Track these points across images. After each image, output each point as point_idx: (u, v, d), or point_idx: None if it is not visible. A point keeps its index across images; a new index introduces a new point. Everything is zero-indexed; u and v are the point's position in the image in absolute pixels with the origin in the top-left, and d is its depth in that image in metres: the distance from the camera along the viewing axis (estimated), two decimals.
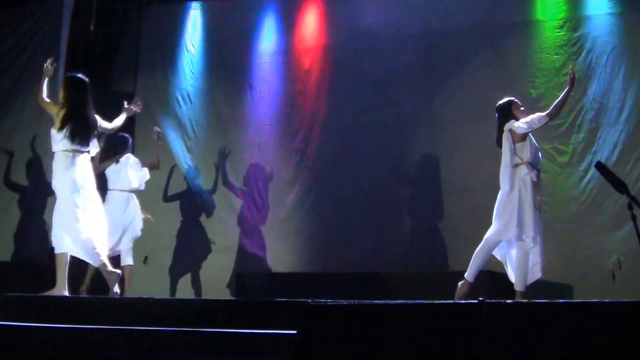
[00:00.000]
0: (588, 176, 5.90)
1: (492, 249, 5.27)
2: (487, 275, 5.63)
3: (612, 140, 5.85)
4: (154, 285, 6.77)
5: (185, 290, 7.06)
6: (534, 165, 5.17)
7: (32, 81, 7.82)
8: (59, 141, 5.08)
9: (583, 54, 6.07)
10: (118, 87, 8.31)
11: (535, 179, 5.13)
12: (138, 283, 6.87)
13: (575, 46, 6.12)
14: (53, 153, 5.16)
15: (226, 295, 6.91)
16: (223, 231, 7.27)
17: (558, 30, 6.22)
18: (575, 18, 6.18)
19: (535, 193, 5.13)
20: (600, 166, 3.75)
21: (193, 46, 7.92)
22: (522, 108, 5.32)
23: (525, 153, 5.18)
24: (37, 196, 7.52)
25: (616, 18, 6.03)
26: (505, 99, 5.32)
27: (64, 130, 5.06)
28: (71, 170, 5.02)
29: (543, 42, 6.26)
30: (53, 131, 5.13)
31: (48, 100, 5.24)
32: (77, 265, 5.38)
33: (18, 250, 7.48)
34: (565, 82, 5.93)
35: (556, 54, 6.19)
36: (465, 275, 5.18)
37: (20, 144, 7.77)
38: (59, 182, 5.07)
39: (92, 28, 8.36)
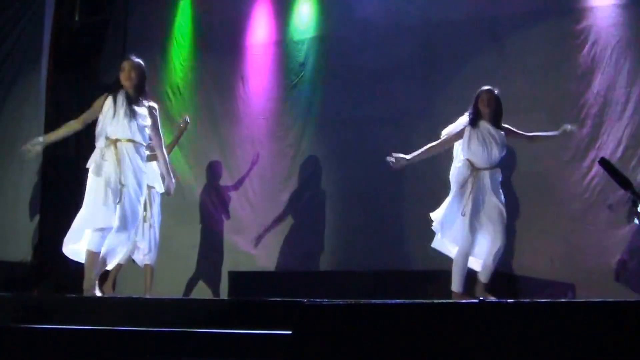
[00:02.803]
0: (591, 173, 5.79)
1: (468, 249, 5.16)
2: None
3: (617, 135, 5.73)
4: (143, 285, 6.57)
5: (175, 289, 6.91)
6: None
7: (14, 71, 7.62)
8: None
9: (587, 46, 5.94)
10: (104, 79, 8.13)
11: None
12: (126, 282, 6.71)
13: (578, 38, 5.99)
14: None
15: (218, 294, 6.76)
16: (215, 228, 7.13)
17: (561, 21, 6.10)
18: (578, 9, 6.06)
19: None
20: (604, 162, 3.72)
21: (182, 37, 7.76)
22: (485, 102, 5.22)
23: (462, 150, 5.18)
24: (20, 191, 7.34)
25: (621, 9, 5.90)
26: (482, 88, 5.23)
27: None
28: None
29: (545, 34, 6.13)
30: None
31: None
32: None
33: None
34: (567, 77, 5.87)
35: (558, 47, 6.07)
36: (452, 287, 5.05)
37: (1, 137, 7.57)
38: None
39: (76, 17, 8.16)
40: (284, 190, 6.99)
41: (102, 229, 4.78)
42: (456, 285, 5.01)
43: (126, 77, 4.94)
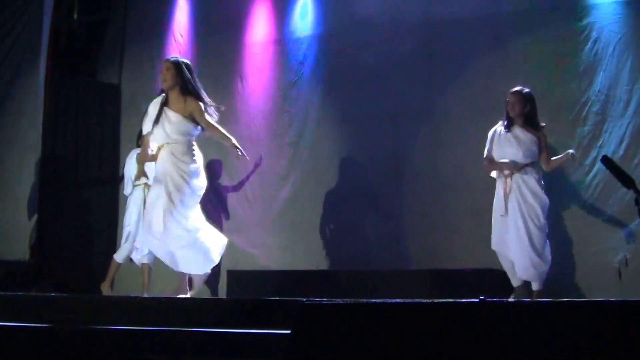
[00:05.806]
0: (594, 171, 5.75)
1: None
2: (488, 273, 5.56)
3: (619, 133, 5.69)
4: (141, 284, 6.54)
5: (173, 289, 6.84)
6: None
7: (13, 71, 7.58)
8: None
9: (589, 44, 5.90)
10: (103, 78, 8.14)
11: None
12: (125, 281, 6.68)
13: (580, 36, 5.95)
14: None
15: (217, 294, 6.72)
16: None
17: (563, 19, 6.06)
18: (580, 7, 6.01)
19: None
20: (606, 160, 3.71)
21: (181, 36, 7.74)
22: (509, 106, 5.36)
23: None
24: (19, 190, 7.30)
25: (623, 6, 5.86)
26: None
27: None
28: None
29: (547, 32, 6.09)
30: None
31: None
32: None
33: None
34: (569, 74, 5.83)
35: (560, 44, 6.03)
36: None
37: None
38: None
39: (75, 16, 8.14)
40: (283, 189, 6.95)
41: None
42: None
43: (161, 79, 5.06)
